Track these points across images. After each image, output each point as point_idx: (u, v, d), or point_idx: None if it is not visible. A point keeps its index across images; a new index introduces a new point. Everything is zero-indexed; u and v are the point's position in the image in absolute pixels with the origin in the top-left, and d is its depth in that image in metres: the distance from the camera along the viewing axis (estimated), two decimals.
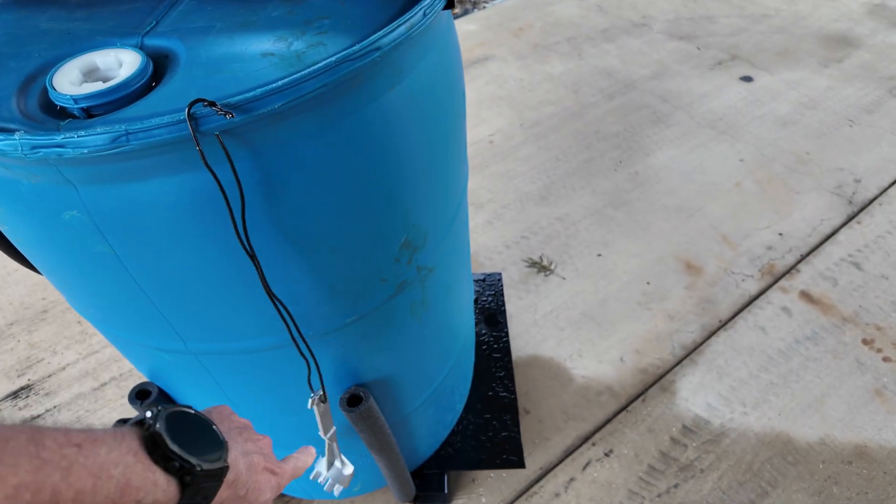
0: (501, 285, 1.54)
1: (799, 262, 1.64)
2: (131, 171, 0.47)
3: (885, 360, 1.40)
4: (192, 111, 0.42)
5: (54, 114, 0.48)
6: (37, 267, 0.65)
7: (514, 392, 1.29)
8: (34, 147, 0.42)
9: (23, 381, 1.53)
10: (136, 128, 0.41)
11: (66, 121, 0.46)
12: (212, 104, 0.42)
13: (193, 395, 0.81)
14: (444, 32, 0.64)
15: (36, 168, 0.46)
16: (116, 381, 1.51)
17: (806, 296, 1.55)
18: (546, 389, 1.39)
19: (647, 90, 2.36)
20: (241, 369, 0.71)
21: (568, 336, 1.51)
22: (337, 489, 0.85)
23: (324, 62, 0.45)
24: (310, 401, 0.70)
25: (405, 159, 0.61)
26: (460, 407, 1.24)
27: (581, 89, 2.41)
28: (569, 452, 1.29)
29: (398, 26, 0.49)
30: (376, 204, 0.60)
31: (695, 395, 1.37)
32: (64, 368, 1.55)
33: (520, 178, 2.01)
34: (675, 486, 1.23)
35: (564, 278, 1.65)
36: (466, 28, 2.92)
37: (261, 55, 0.49)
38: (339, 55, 0.46)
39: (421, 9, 0.51)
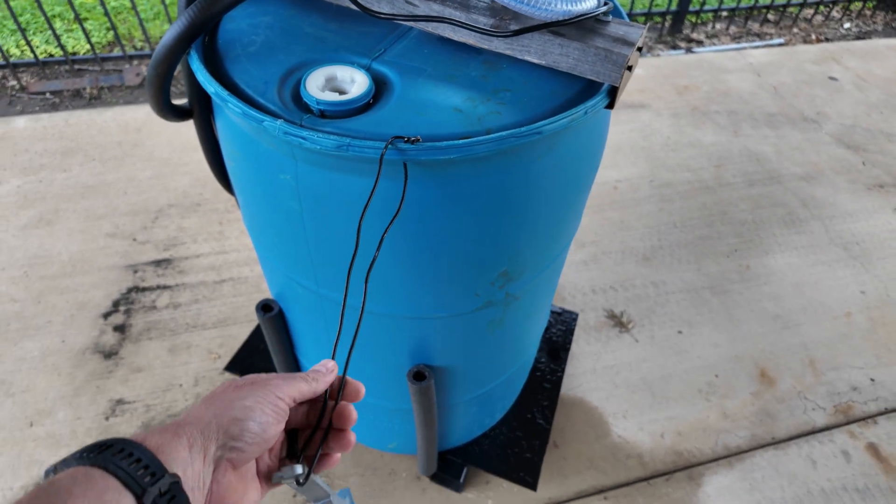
0: (574, 325, 1.63)
1: (881, 414, 1.58)
2: (337, 164, 0.64)
3: None
4: (394, 143, 0.57)
5: (299, 106, 0.65)
6: (237, 196, 0.86)
7: (550, 423, 1.40)
8: (286, 133, 0.59)
9: (167, 255, 1.85)
10: (356, 143, 0.58)
11: (307, 115, 0.64)
12: (409, 140, 0.57)
13: (303, 317, 1.01)
14: (597, 118, 0.76)
15: (277, 141, 0.64)
16: (233, 282, 1.78)
17: (873, 449, 1.51)
18: (580, 433, 1.48)
19: (791, 189, 2.30)
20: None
21: (620, 394, 1.58)
22: None
23: (496, 134, 0.59)
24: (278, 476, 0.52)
25: (532, 213, 0.74)
26: (499, 416, 1.37)
27: (724, 166, 2.39)
28: (580, 496, 1.37)
29: (561, 119, 0.62)
30: (494, 240, 0.74)
31: (719, 495, 1.40)
32: (198, 256, 1.85)
33: (630, 232, 2.06)
34: None
35: (637, 341, 1.71)
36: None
37: (452, 109, 0.64)
38: (509, 132, 0.60)
39: (584, 108, 0.64)
